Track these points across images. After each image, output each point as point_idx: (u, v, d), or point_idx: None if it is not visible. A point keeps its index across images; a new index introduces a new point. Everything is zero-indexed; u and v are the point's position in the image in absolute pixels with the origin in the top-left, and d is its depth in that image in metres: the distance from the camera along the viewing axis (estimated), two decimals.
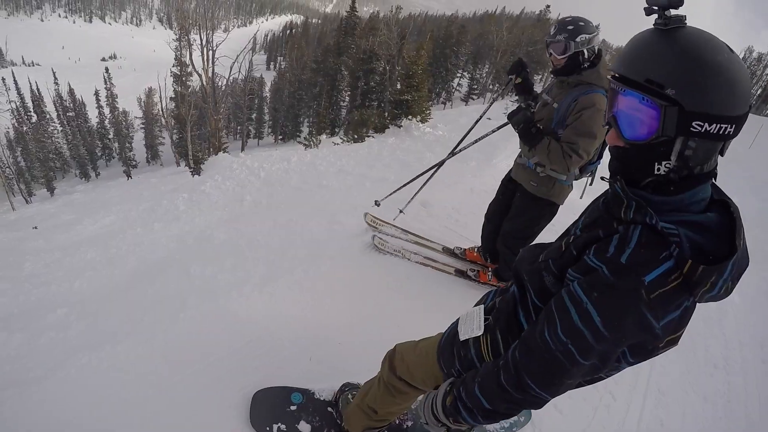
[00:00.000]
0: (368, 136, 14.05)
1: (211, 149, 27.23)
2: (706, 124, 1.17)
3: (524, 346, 1.55)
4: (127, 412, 3.40)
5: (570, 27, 3.37)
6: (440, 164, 5.53)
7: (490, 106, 5.40)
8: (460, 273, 5.11)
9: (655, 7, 1.23)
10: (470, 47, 54.49)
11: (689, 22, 1.22)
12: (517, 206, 4.31)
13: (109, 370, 3.80)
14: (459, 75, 56.84)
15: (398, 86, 21.66)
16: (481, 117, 5.10)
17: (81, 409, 3.45)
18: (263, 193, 8.25)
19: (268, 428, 3.10)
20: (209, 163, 13.38)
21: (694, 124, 1.18)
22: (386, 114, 19.49)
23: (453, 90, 56.51)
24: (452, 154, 5.27)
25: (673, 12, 1.22)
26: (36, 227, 15.38)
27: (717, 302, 1.37)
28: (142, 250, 7.18)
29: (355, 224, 5.71)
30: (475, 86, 55.34)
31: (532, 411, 3.31)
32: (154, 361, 3.86)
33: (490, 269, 5.08)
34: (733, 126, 1.18)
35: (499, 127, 4.77)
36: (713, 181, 1.35)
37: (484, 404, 1.66)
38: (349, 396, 3.09)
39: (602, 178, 1.71)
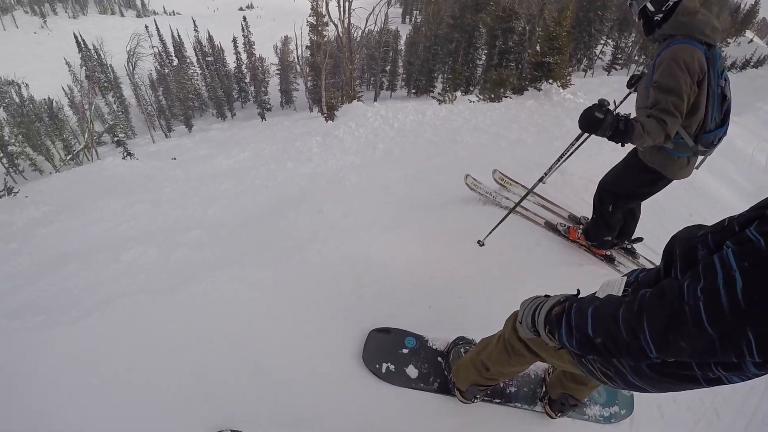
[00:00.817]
0: (506, 97, 13.54)
1: (345, 97, 27.65)
2: None
3: (659, 290, 1.43)
4: (249, 326, 3.55)
5: None
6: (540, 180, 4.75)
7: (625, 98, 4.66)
8: (550, 226, 4.92)
9: None
10: (616, 12, 49.97)
11: None
12: (623, 160, 4.07)
13: (237, 288, 3.95)
14: (603, 42, 53.41)
15: (538, 48, 20.90)
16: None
17: (207, 319, 3.62)
18: (396, 143, 8.22)
19: (377, 365, 3.18)
20: (343, 110, 13.57)
21: None
22: (524, 76, 18.84)
23: (595, 58, 52.95)
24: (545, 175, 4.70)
25: None
26: (175, 158, 16.48)
27: None
28: (275, 185, 7.40)
29: (487, 181, 5.54)
30: (620, 55, 51.82)
31: (635, 406, 3.20)
32: (280, 285, 3.98)
33: (581, 227, 4.83)
34: None
35: (583, 140, 4.31)
36: None
37: (588, 329, 1.58)
38: (462, 350, 3.15)
39: None
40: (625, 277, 1.98)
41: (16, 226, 9.85)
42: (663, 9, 3.11)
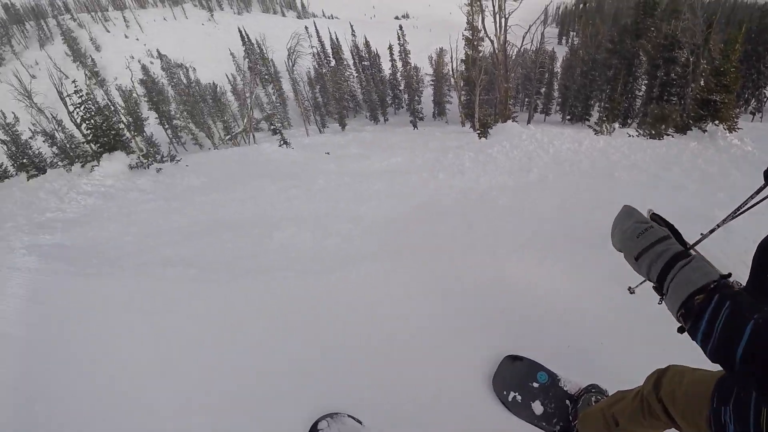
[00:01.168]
0: (667, 135, 12.76)
1: (498, 116, 27.50)
2: None
3: None
4: (389, 322, 3.82)
5: None
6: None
7: None
8: None
9: None
10: None
11: None
12: None
13: (384, 285, 4.29)
14: None
15: (701, 83, 19.51)
16: None
17: (348, 307, 4.01)
18: (550, 169, 8.12)
19: (505, 392, 3.19)
20: (497, 128, 13.64)
21: None
22: (686, 114, 17.74)
23: (765, 99, 46.11)
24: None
25: None
26: (328, 153, 17.31)
27: None
28: (426, 193, 7.68)
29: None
30: None
31: None
32: (425, 290, 4.21)
33: None
34: None
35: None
36: None
37: (737, 348, 1.10)
38: (593, 398, 2.99)
39: None
40: None
41: (178, 189, 10.90)
42: None
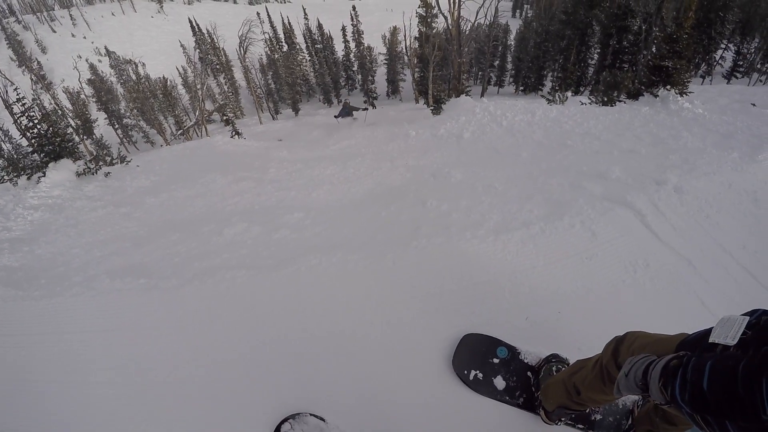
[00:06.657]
0: (619, 101, 12.79)
1: (452, 91, 27.50)
2: None
3: None
4: (344, 314, 3.72)
5: None
6: None
7: None
8: None
9: None
10: (739, 14, 44.64)
11: None
12: None
13: (337, 275, 4.18)
14: (723, 47, 49.57)
15: (653, 49, 19.61)
16: None
17: (302, 302, 3.87)
18: (505, 142, 8.02)
19: (466, 372, 3.20)
20: (451, 103, 13.47)
21: None
22: (638, 80, 17.75)
23: (714, 63, 48.27)
24: None
25: None
26: (281, 140, 17.12)
27: None
28: (379, 174, 7.54)
29: (599, 191, 5.37)
30: (741, 62, 47.72)
31: None
32: (380, 276, 4.13)
33: None
34: None
35: None
36: None
37: (703, 383, 1.45)
38: (554, 368, 3.04)
39: None
40: (747, 318, 1.75)
41: (127, 192, 10.47)
42: None
